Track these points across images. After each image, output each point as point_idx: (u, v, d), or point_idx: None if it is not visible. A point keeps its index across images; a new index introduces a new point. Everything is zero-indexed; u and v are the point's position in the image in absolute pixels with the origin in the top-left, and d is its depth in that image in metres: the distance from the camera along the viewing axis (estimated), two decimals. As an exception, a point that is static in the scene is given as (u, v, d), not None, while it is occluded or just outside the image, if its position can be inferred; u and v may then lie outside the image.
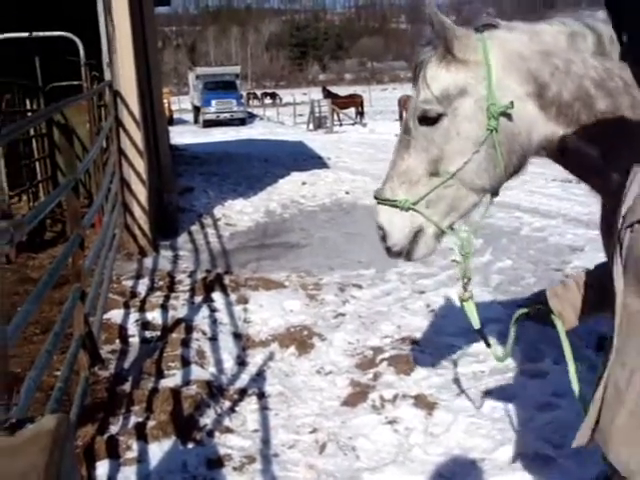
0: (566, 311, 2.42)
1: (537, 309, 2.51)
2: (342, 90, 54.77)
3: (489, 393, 5.27)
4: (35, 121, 6.89)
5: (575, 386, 2.32)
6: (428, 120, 2.85)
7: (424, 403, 5.11)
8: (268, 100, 63.04)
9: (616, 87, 2.76)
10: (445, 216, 2.98)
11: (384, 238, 3.05)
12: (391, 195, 2.95)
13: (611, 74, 2.76)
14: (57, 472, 2.23)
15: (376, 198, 3.03)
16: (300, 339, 6.44)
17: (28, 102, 12.69)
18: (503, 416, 4.86)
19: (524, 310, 2.54)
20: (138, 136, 9.79)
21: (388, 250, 3.09)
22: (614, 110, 2.78)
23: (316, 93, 52.13)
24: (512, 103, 2.73)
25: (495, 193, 3.00)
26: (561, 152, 2.76)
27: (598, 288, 2.25)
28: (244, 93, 54.61)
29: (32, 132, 12.05)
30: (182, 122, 47.70)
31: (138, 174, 9.82)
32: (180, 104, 63.92)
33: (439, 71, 2.82)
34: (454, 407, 5.11)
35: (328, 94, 41.95)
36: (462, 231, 3.00)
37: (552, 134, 2.87)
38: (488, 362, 5.67)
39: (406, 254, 3.08)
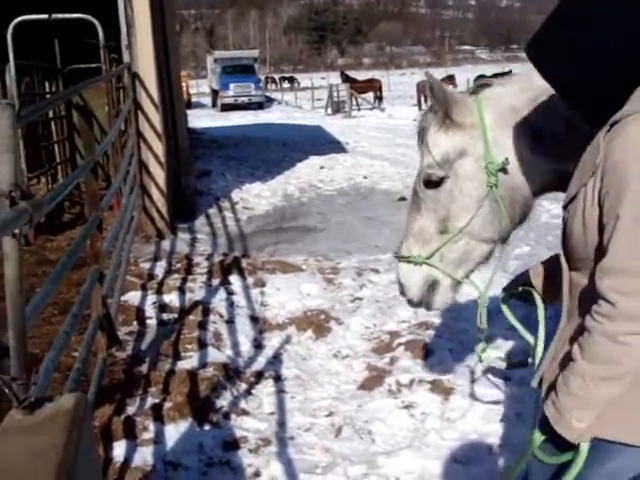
0: (548, 289, 2.56)
1: (521, 289, 2.69)
2: (360, 75, 54.59)
3: (506, 379, 5.26)
4: (54, 103, 6.91)
5: (537, 360, 2.47)
6: (432, 184, 3.02)
7: (441, 388, 5.10)
8: (286, 84, 62.96)
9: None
10: (458, 267, 3.16)
11: (402, 292, 3.28)
12: (407, 252, 3.16)
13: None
14: (75, 450, 2.24)
15: (395, 256, 3.26)
16: (317, 323, 6.44)
17: (47, 85, 12.69)
18: (519, 403, 4.84)
19: (511, 291, 2.73)
20: (156, 119, 9.79)
21: (409, 302, 3.30)
22: None
23: (334, 77, 51.97)
24: (507, 159, 2.89)
25: (505, 240, 3.17)
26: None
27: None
28: (262, 77, 54.44)
29: (51, 115, 12.06)
30: (200, 106, 47.67)
31: (156, 157, 9.83)
32: (198, 88, 63.87)
33: (439, 136, 2.99)
34: (470, 393, 5.11)
35: (346, 78, 41.81)
36: (481, 306, 3.10)
37: (555, 171, 2.94)
38: (504, 348, 5.65)
39: (425, 305, 3.28)
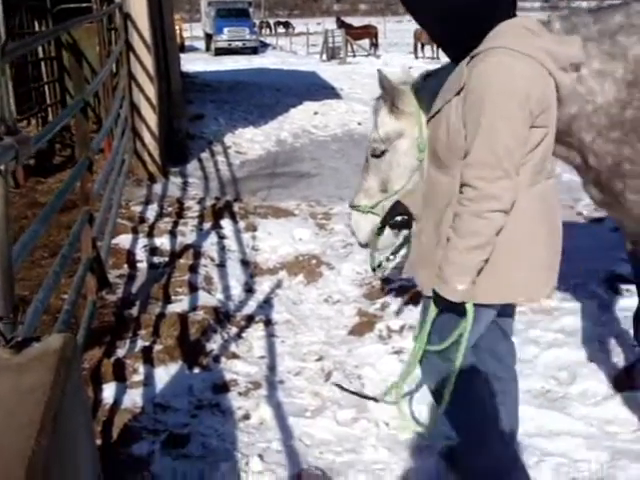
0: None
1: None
2: (356, 21, 53.88)
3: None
4: (42, 39, 6.76)
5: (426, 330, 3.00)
6: (376, 155, 3.72)
7: (431, 334, 5.10)
8: (281, 29, 62.03)
9: None
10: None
11: (353, 235, 4.01)
12: (357, 203, 3.86)
13: None
14: (63, 390, 2.23)
15: (350, 206, 3.96)
16: (308, 268, 6.43)
17: (36, 24, 12.49)
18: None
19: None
20: (149, 60, 9.64)
21: (359, 244, 3.99)
22: None
23: (330, 23, 51.30)
24: None
25: None
26: None
27: None
28: (257, 22, 53.66)
29: (41, 55, 11.90)
30: (193, 49, 47.03)
31: (148, 99, 9.71)
32: (192, 31, 62.96)
33: (386, 119, 3.64)
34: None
35: (342, 24, 41.25)
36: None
37: None
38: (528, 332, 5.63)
39: (372, 246, 3.92)
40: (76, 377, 2.56)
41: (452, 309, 2.83)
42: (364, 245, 3.97)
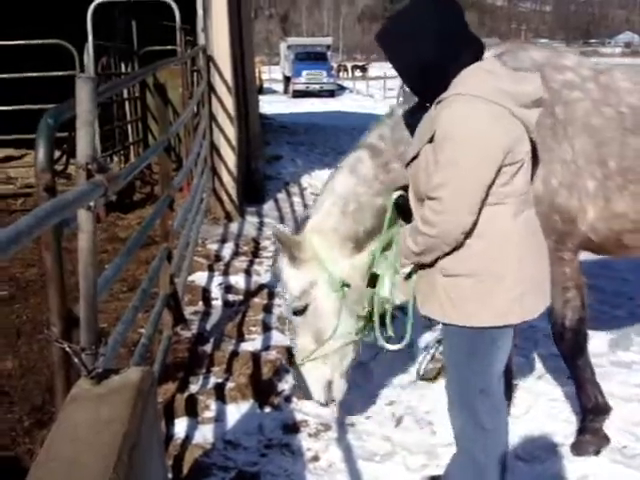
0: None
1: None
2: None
3: (571, 377, 5.15)
4: (130, 81, 7.00)
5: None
6: (298, 312, 3.82)
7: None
8: (358, 73, 62.59)
9: (395, 173, 3.79)
10: (342, 361, 4.02)
11: (309, 398, 4.10)
12: (300, 362, 3.97)
13: (388, 166, 3.83)
14: (140, 423, 2.27)
15: (295, 365, 4.05)
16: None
17: (123, 66, 12.88)
18: (585, 401, 4.74)
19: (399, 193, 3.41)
20: (229, 102, 9.84)
21: (319, 403, 4.14)
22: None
23: (407, 67, 51.46)
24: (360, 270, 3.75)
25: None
26: None
27: None
28: (334, 65, 54.33)
29: (125, 95, 12.24)
30: (272, 92, 47.79)
31: (228, 139, 9.89)
32: (270, 74, 64.03)
33: (292, 274, 3.78)
34: (535, 389, 5.03)
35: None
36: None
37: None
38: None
39: (330, 401, 4.18)
40: (152, 411, 2.61)
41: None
42: (324, 404, 4.14)
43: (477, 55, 2.94)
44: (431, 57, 2.84)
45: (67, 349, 2.44)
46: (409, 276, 3.30)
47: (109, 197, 2.49)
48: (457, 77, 2.87)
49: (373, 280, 3.55)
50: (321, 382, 3.97)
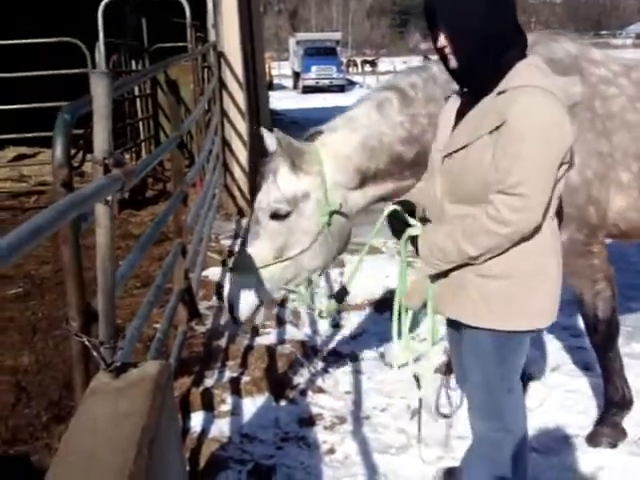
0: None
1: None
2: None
3: (587, 369, 5.16)
4: (143, 77, 7.00)
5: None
6: (278, 216, 3.55)
7: (519, 375, 5.02)
8: (368, 68, 62.46)
9: (421, 129, 3.67)
10: (280, 288, 3.77)
11: (230, 311, 3.77)
12: (236, 266, 3.72)
13: (415, 119, 3.67)
14: (158, 416, 2.28)
15: (229, 269, 3.89)
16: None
17: (134, 63, 12.91)
18: (600, 394, 4.72)
19: (394, 207, 3.12)
20: (241, 97, 9.87)
21: (234, 320, 3.82)
22: (418, 151, 3.67)
23: (417, 62, 51.39)
24: (341, 205, 3.59)
25: (327, 267, 3.95)
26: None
27: None
28: (344, 60, 54.24)
29: (137, 92, 12.27)
30: (281, 87, 47.79)
31: (239, 135, 9.91)
32: (280, 69, 64.00)
33: (289, 178, 3.53)
34: (549, 381, 5.03)
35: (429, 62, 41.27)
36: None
37: (372, 197, 3.78)
38: (585, 338, 5.52)
39: (248, 322, 4.03)
40: (170, 404, 2.63)
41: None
42: (238, 321, 3.82)
43: (524, 50, 2.84)
44: (496, 29, 2.70)
45: (86, 343, 2.46)
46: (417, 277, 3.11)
47: (124, 192, 2.50)
48: (513, 69, 2.75)
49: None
50: (252, 300, 3.68)
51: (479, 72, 2.77)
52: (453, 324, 3.18)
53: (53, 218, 1.81)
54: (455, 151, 2.84)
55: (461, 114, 2.93)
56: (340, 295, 3.87)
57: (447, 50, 2.76)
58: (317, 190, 3.54)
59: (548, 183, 2.69)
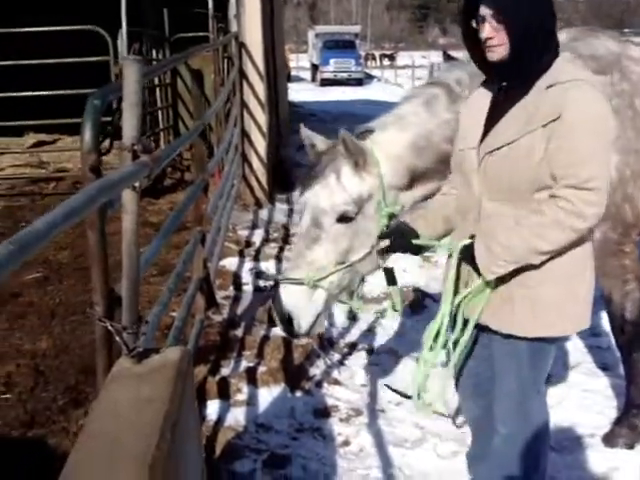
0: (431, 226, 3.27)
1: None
2: (462, 55, 53.56)
3: (605, 369, 5.14)
4: (168, 66, 7.01)
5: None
6: (345, 219, 3.39)
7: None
8: (386, 62, 62.27)
9: None
10: (339, 294, 3.57)
11: (287, 322, 3.46)
12: (298, 276, 3.40)
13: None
14: (180, 403, 2.30)
15: (280, 280, 3.55)
16: (412, 299, 6.41)
17: (154, 52, 12.91)
18: (618, 394, 4.72)
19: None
20: (261, 89, 9.88)
21: (292, 334, 3.53)
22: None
23: (435, 57, 51.24)
24: (403, 207, 3.53)
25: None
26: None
27: None
28: (362, 53, 54.06)
29: (156, 82, 12.28)
30: (299, 80, 47.69)
31: (259, 126, 9.92)
32: (298, 62, 63.92)
33: (354, 179, 3.40)
34: (567, 380, 5.02)
35: (448, 58, 41.15)
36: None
37: (419, 197, 3.65)
38: (604, 337, 5.52)
39: (305, 335, 3.60)
40: (190, 390, 2.64)
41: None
42: (298, 335, 3.55)
43: (558, 44, 2.84)
44: (543, 19, 2.71)
45: (109, 328, 2.48)
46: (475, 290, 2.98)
47: (151, 179, 2.52)
48: (555, 64, 2.77)
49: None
50: (314, 310, 3.47)
51: (526, 64, 2.75)
52: (481, 331, 3.12)
53: (86, 201, 1.83)
54: (499, 148, 2.80)
55: (496, 111, 2.89)
56: (391, 275, 3.52)
57: (494, 41, 2.71)
58: (377, 191, 3.43)
59: (607, 176, 2.73)
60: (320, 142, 3.59)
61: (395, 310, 3.59)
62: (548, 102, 2.68)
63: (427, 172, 3.57)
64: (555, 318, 2.87)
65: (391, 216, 3.42)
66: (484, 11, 2.69)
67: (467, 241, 2.92)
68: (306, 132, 3.64)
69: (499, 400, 3.14)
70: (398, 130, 3.54)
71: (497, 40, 2.70)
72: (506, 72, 2.81)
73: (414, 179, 3.57)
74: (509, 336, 2.92)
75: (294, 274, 3.42)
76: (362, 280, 3.66)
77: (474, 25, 2.77)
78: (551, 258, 2.77)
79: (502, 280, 2.86)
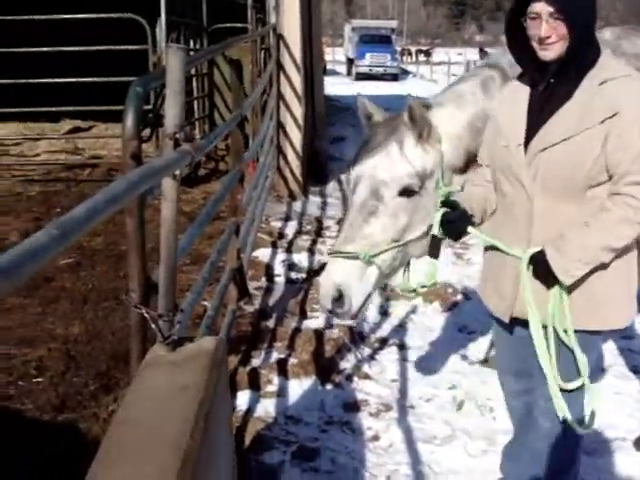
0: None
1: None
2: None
3: (636, 372, 5.09)
4: (210, 55, 7.01)
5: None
6: (408, 193, 3.17)
7: (568, 374, 4.97)
8: (422, 57, 62.00)
9: None
10: (390, 274, 3.35)
11: (337, 299, 3.17)
12: (352, 250, 3.13)
13: None
14: (214, 391, 2.30)
15: (333, 252, 3.22)
16: (444, 296, 6.38)
17: (192, 42, 12.95)
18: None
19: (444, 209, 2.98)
20: (298, 81, 9.86)
21: (342, 314, 3.25)
22: None
23: (471, 53, 50.92)
24: (462, 188, 3.29)
25: None
26: None
27: None
28: (398, 48, 53.82)
29: (193, 71, 12.32)
30: (334, 73, 47.55)
31: (295, 119, 9.91)
32: (334, 55, 63.80)
33: (417, 151, 3.20)
34: (599, 383, 4.95)
35: (484, 55, 40.92)
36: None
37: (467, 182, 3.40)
38: (636, 340, 5.46)
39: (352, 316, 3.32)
40: (224, 380, 2.65)
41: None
42: (347, 315, 3.27)
43: (599, 45, 2.87)
44: (595, 15, 2.78)
45: (145, 315, 2.48)
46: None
47: (192, 167, 2.52)
48: (601, 60, 2.78)
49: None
50: (366, 289, 3.22)
51: (581, 60, 2.75)
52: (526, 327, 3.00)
53: (128, 188, 1.82)
54: (553, 145, 2.76)
55: (541, 108, 2.85)
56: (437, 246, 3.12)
57: (552, 39, 2.67)
58: (437, 168, 3.24)
59: None
60: (377, 112, 3.44)
61: (423, 287, 3.31)
62: (603, 98, 2.68)
63: (476, 157, 3.35)
64: (610, 312, 2.89)
65: (447, 197, 3.14)
66: (542, 8, 2.65)
67: (535, 249, 2.83)
68: (363, 101, 3.47)
69: (546, 394, 3.05)
70: (455, 108, 3.38)
71: (555, 37, 2.67)
72: (561, 69, 2.78)
73: (469, 162, 3.37)
74: (588, 333, 2.93)
75: (348, 247, 3.14)
76: (408, 264, 3.44)
77: (524, 23, 2.72)
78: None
79: (580, 279, 2.82)
